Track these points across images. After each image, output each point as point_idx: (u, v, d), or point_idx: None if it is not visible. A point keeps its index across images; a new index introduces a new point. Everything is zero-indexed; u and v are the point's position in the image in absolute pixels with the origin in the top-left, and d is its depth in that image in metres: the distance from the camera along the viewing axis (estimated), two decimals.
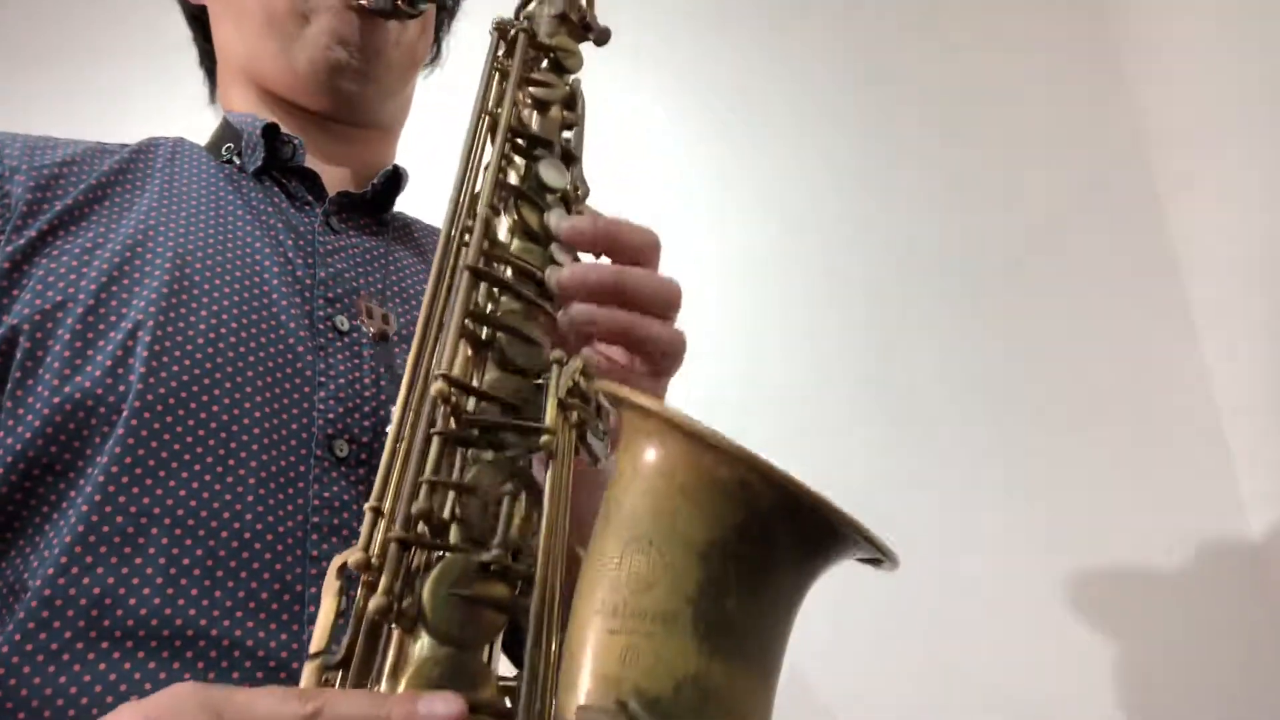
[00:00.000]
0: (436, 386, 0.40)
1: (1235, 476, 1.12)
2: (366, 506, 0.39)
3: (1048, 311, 1.24)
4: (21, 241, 0.54)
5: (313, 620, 0.50)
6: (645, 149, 1.38)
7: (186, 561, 0.48)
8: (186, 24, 0.81)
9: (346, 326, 0.60)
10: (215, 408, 0.52)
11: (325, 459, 0.55)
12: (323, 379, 0.57)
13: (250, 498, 0.51)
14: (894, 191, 1.33)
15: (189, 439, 0.51)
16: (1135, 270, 1.24)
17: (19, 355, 0.51)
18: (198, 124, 0.74)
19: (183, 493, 0.50)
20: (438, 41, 0.84)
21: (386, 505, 0.39)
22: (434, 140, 0.97)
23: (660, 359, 0.48)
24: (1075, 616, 1.10)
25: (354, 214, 0.69)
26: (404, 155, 0.80)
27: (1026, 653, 1.08)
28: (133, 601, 0.47)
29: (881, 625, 1.10)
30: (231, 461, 0.52)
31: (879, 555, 0.36)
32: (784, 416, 1.22)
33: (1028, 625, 1.10)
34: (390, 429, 0.41)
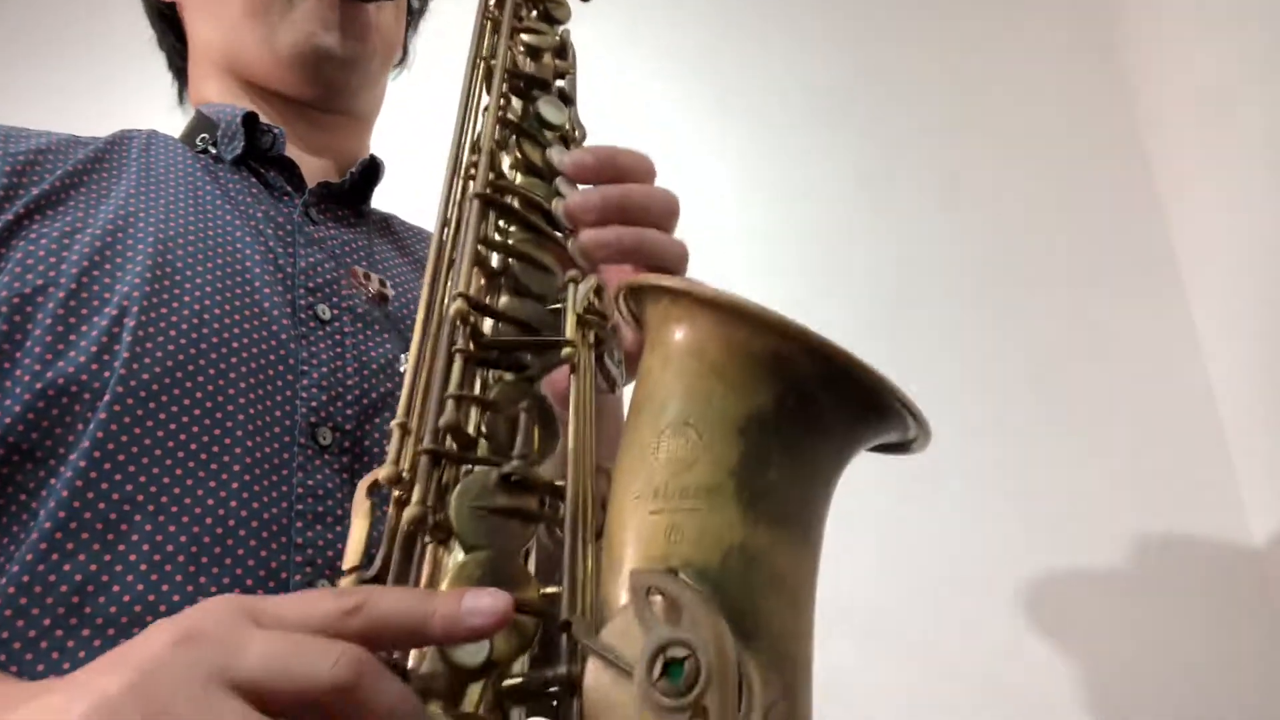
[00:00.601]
0: (456, 306, 0.40)
1: (1236, 478, 1.12)
2: (394, 423, 0.38)
3: (1046, 312, 1.23)
4: None
5: None
6: (644, 135, 1.39)
7: (170, 548, 0.48)
8: (152, 25, 0.80)
9: (328, 315, 0.60)
10: (199, 394, 0.52)
11: (309, 447, 0.54)
12: (305, 367, 0.57)
13: (235, 484, 0.51)
14: (892, 191, 1.33)
15: (172, 425, 0.50)
16: (1135, 270, 1.24)
17: None
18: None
19: (166, 480, 0.49)
20: (405, 44, 0.85)
21: (414, 422, 0.39)
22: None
23: (671, 272, 0.49)
24: (1074, 619, 1.09)
25: (333, 205, 0.69)
26: (375, 149, 0.81)
27: (1026, 655, 1.08)
28: (115, 588, 0.46)
29: (880, 626, 1.09)
30: (215, 449, 0.51)
31: (910, 435, 0.36)
32: None
33: (1027, 627, 1.09)
34: (412, 347, 0.41)
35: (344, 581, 0.36)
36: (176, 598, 0.47)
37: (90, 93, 1.43)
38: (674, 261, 0.50)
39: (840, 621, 1.06)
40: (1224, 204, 1.13)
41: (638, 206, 0.48)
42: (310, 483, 0.53)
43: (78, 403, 0.49)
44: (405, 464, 0.38)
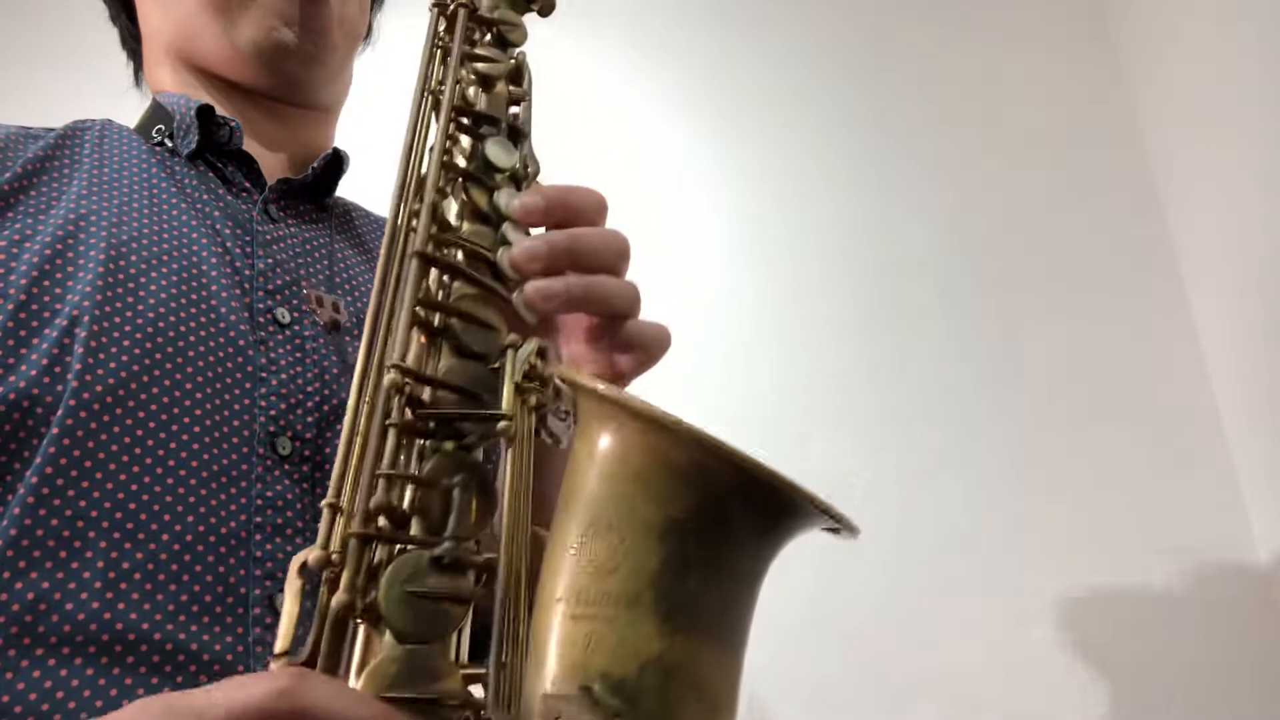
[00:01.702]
0: (389, 378, 0.39)
1: (1236, 478, 1.12)
2: (324, 503, 0.38)
3: (1046, 312, 1.23)
4: None
5: (258, 622, 0.50)
6: (634, 138, 1.38)
7: (126, 565, 0.47)
8: (105, 1, 0.78)
9: (288, 319, 0.59)
10: (154, 406, 0.51)
11: (268, 457, 0.54)
12: (264, 374, 0.56)
13: (191, 498, 0.50)
14: (892, 190, 1.32)
15: (127, 439, 0.50)
16: (1135, 270, 1.24)
17: None
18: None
19: (121, 495, 0.49)
20: (370, 23, 0.82)
21: (344, 500, 0.39)
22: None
23: (623, 315, 0.48)
24: (1073, 619, 1.10)
25: (294, 200, 0.67)
26: (341, 137, 0.79)
27: (1026, 662, 1.09)
28: (69, 606, 0.46)
29: (876, 627, 1.10)
30: (172, 461, 0.50)
31: (835, 528, 0.36)
32: (773, 413, 1.22)
33: (1025, 633, 1.10)
34: (345, 422, 0.40)
35: (273, 665, 0.36)
36: (133, 616, 0.47)
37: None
38: (624, 306, 0.49)
39: (836, 627, 1.09)
40: (1224, 204, 1.12)
41: (587, 251, 0.47)
42: (270, 494, 0.53)
43: (30, 417, 0.48)
44: (335, 545, 0.38)
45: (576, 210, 0.49)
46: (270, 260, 0.61)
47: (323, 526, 0.38)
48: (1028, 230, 1.28)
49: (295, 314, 0.59)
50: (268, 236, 0.62)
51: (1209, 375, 1.17)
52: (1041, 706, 1.06)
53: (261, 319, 0.58)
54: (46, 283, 0.52)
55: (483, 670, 0.37)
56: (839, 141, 1.36)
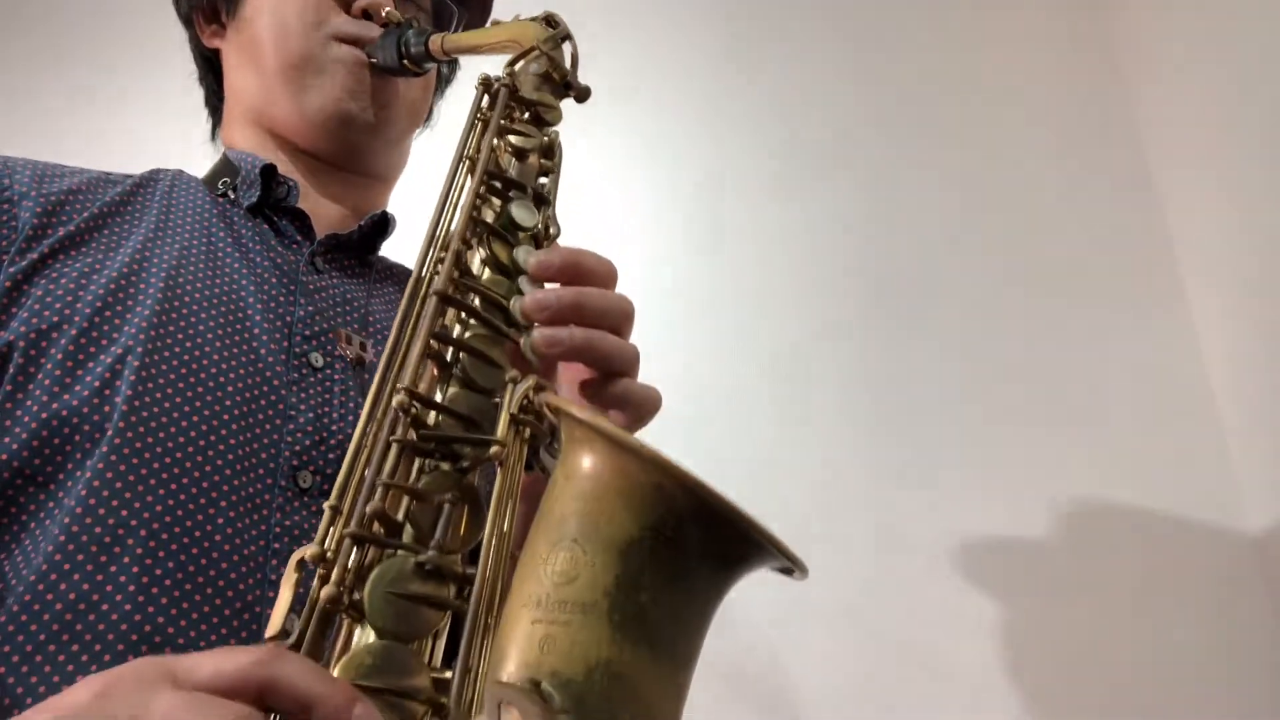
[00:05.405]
0: (398, 399, 0.44)
1: (1235, 475, 1.13)
2: (325, 505, 0.42)
3: (1046, 310, 1.25)
4: (24, 263, 0.58)
5: None
6: (634, 143, 1.42)
7: (159, 572, 0.51)
8: (196, 64, 0.86)
9: (320, 363, 0.63)
10: (193, 433, 0.55)
11: (289, 489, 0.58)
12: (293, 412, 0.60)
13: (220, 519, 0.54)
14: (892, 190, 1.35)
15: (167, 459, 0.54)
16: (1135, 270, 1.25)
17: (11, 369, 0.54)
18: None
19: (159, 508, 0.52)
20: (431, 107, 0.89)
21: (346, 505, 0.42)
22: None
23: (620, 373, 0.52)
24: (1073, 614, 1.10)
25: (340, 255, 0.73)
26: (396, 205, 0.84)
27: (1022, 648, 1.09)
28: (105, 607, 0.49)
29: (873, 622, 1.11)
30: (205, 484, 0.54)
31: (790, 565, 0.39)
32: (773, 414, 1.24)
33: (1025, 621, 1.11)
34: (354, 436, 0.44)
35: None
36: (161, 620, 0.50)
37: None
38: (624, 364, 0.52)
39: (842, 619, 1.09)
40: (1224, 204, 1.14)
41: (593, 309, 0.51)
42: (288, 523, 0.57)
43: (79, 434, 0.53)
44: (331, 544, 0.41)
45: (588, 272, 0.53)
46: (311, 308, 0.66)
47: (322, 525, 0.42)
48: (1028, 229, 1.29)
49: (328, 359, 0.64)
50: (311, 286, 0.68)
51: (1208, 373, 1.17)
52: (1039, 694, 1.06)
53: (296, 361, 0.63)
54: (108, 313, 0.58)
55: (450, 675, 0.39)
56: (835, 144, 1.39)
